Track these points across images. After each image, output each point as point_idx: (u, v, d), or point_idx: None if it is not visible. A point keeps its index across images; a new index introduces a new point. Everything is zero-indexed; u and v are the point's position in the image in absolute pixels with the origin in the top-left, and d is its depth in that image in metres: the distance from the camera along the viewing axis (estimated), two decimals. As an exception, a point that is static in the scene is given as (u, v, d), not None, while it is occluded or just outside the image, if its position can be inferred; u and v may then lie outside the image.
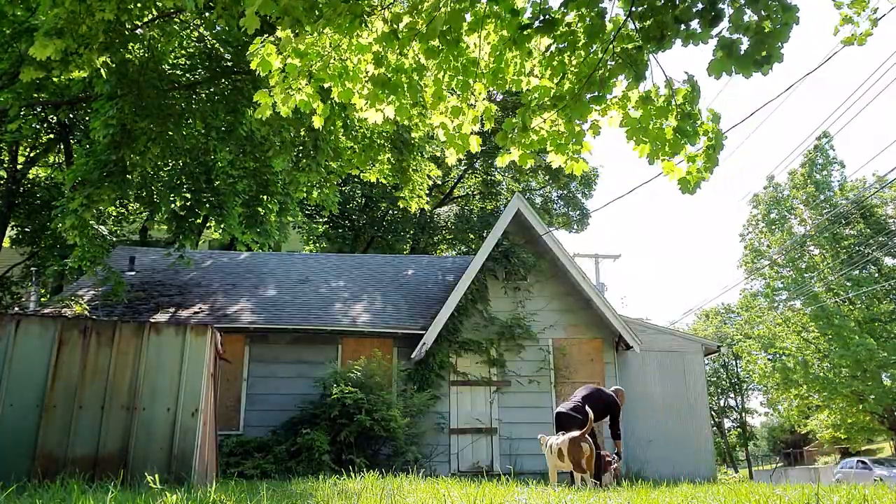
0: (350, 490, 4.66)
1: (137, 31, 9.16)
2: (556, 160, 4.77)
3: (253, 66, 4.51)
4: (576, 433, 6.72)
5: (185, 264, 13.13)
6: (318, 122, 4.97)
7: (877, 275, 26.69)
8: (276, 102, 4.62)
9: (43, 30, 5.77)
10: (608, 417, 7.95)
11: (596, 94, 4.21)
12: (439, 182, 22.49)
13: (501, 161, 4.89)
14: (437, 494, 4.31)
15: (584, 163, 4.77)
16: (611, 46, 4.07)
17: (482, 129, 5.52)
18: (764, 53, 3.70)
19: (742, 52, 3.73)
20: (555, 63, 4.38)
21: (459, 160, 25.85)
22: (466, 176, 27.97)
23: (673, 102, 4.26)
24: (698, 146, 4.35)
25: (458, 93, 4.75)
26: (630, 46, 4.00)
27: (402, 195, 13.03)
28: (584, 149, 4.69)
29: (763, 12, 3.65)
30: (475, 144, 4.96)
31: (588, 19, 4.07)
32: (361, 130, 11.28)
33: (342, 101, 4.70)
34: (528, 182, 28.25)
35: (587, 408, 7.07)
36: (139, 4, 7.86)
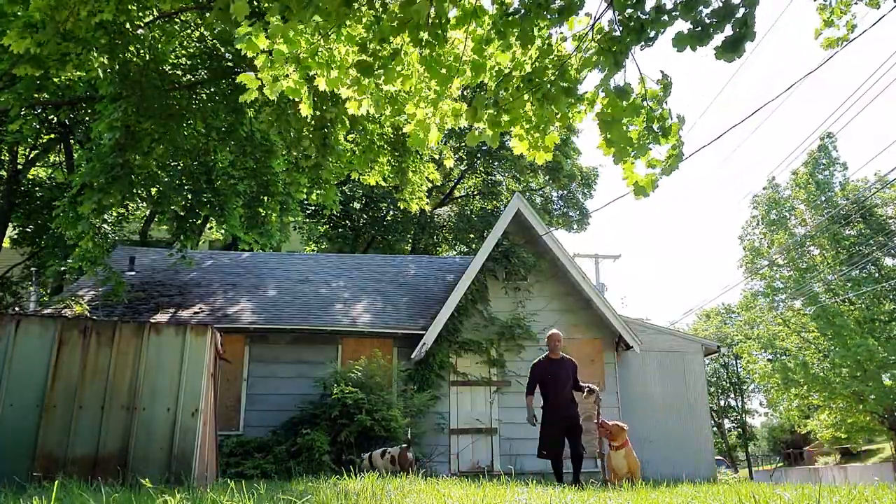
0: (350, 490, 4.66)
1: (139, 32, 9.17)
2: (518, 147, 4.78)
3: (238, 45, 4.44)
4: (404, 446, 8.51)
5: (188, 264, 13.13)
6: (305, 110, 4.96)
7: (877, 275, 26.70)
8: (262, 86, 4.56)
9: (19, 22, 5.76)
10: (586, 389, 7.92)
11: (568, 85, 4.22)
12: (439, 183, 22.54)
13: (472, 140, 4.75)
14: (438, 495, 4.31)
15: (546, 153, 4.80)
16: (587, 35, 4.08)
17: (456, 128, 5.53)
18: (740, 34, 3.73)
19: (713, 34, 3.79)
20: (531, 39, 4.37)
21: (460, 159, 25.78)
22: (466, 176, 27.97)
23: (645, 102, 4.27)
24: (663, 150, 4.38)
25: (436, 87, 4.74)
26: (608, 35, 4.00)
27: (402, 196, 13.04)
28: (549, 140, 4.70)
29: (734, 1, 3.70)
30: (434, 138, 4.97)
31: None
32: (362, 133, 11.28)
33: (329, 88, 4.69)
34: (528, 182, 28.25)
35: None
36: (138, 5, 7.87)
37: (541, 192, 28.83)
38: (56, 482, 4.48)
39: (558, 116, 4.47)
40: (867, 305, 26.30)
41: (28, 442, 5.60)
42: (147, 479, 5.03)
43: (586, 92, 4.43)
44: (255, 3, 4.10)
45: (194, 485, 5.50)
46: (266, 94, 4.57)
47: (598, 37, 4.03)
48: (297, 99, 4.72)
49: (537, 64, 4.34)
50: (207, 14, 9.53)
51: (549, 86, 4.22)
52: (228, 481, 5.11)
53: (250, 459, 10.17)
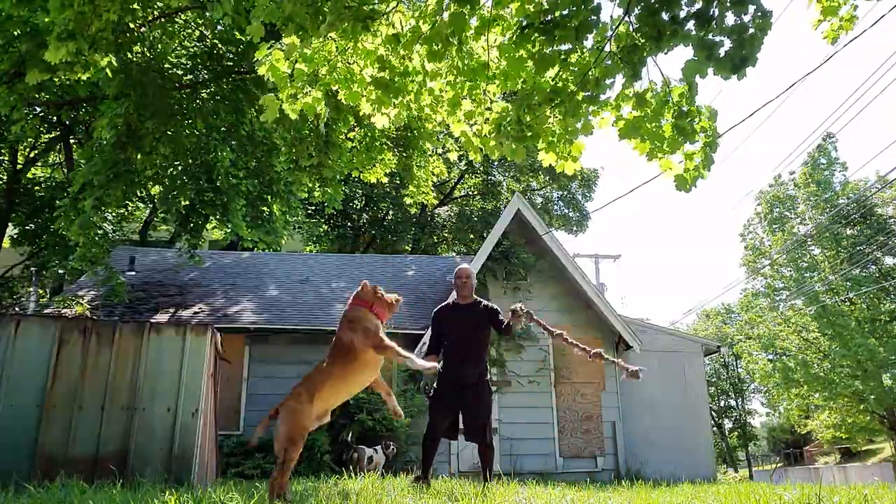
0: (350, 490, 4.66)
1: (141, 31, 9.16)
2: (547, 158, 4.81)
3: (261, 71, 4.61)
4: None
5: (197, 262, 13.14)
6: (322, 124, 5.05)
7: (877, 275, 26.69)
8: (282, 107, 4.67)
9: (55, 33, 5.80)
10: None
11: (590, 94, 4.23)
12: (443, 180, 22.59)
13: (494, 154, 4.94)
14: (438, 495, 4.32)
15: (574, 162, 4.82)
16: (607, 45, 4.08)
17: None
18: (743, 55, 3.75)
19: (722, 55, 3.79)
20: (552, 61, 4.39)
21: (460, 158, 25.82)
22: (466, 176, 27.96)
23: (670, 100, 4.27)
24: (696, 144, 4.39)
25: (469, 97, 4.80)
26: (626, 45, 4.01)
27: (407, 193, 13.03)
28: (575, 149, 4.73)
29: (745, 17, 3.70)
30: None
31: (580, 16, 4.08)
32: (364, 130, 11.27)
33: (349, 103, 4.77)
34: (528, 182, 28.24)
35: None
36: (141, 4, 7.87)
37: (541, 193, 28.82)
38: (56, 482, 4.48)
39: (582, 126, 4.48)
40: (868, 305, 26.30)
41: (28, 442, 5.60)
42: (147, 479, 5.03)
43: (609, 98, 4.43)
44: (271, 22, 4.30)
45: (194, 484, 5.50)
46: (288, 114, 4.65)
47: (615, 47, 4.04)
48: (313, 114, 4.81)
49: (560, 83, 4.35)
50: (209, 14, 9.54)
51: (568, 100, 4.24)
52: (228, 481, 5.12)
53: (250, 459, 10.17)
